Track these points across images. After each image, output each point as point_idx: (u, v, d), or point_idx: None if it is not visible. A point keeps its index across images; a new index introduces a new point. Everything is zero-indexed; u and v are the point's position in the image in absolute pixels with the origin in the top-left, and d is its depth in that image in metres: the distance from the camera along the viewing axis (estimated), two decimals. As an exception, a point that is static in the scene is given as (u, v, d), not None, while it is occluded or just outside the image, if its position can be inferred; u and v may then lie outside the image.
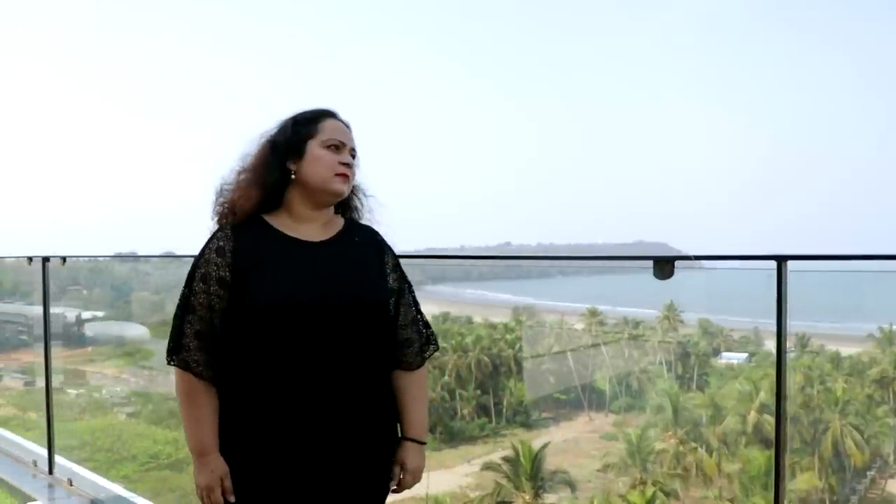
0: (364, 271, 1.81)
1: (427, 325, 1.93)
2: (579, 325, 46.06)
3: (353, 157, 1.84)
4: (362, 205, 1.93)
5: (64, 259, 4.50)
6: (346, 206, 1.91)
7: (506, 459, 32.05)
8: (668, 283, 2.20)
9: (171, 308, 1.82)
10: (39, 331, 4.57)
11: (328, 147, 1.78)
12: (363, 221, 1.94)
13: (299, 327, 1.67)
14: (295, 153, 1.78)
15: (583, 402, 41.84)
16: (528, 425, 40.76)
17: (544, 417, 41.69)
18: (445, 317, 51.53)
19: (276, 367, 1.67)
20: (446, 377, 42.38)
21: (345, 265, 1.79)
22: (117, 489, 4.16)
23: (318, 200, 1.80)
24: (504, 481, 31.34)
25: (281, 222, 1.79)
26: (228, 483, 1.72)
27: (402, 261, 1.94)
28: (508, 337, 45.33)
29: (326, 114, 1.84)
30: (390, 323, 1.83)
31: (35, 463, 4.60)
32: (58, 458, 4.48)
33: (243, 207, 1.77)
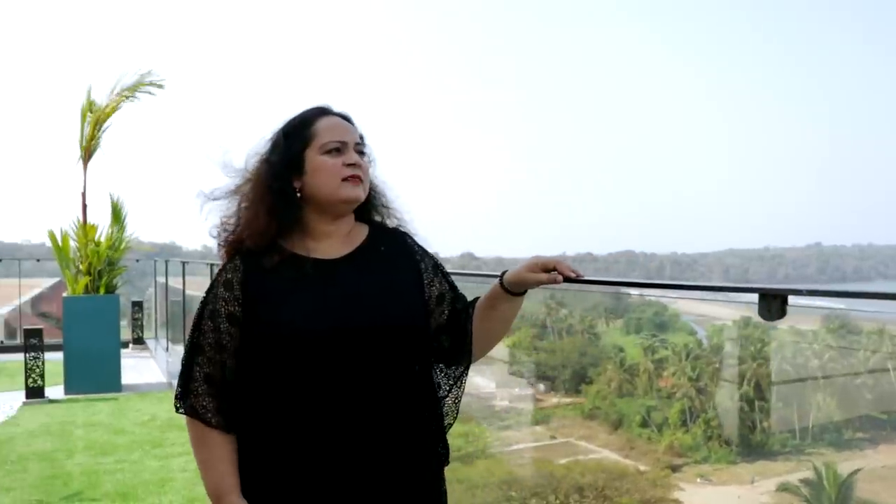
0: (391, 288, 1.61)
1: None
2: (904, 335, 40.92)
3: (362, 153, 1.64)
4: (387, 206, 1.73)
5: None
6: (366, 209, 1.70)
7: (805, 482, 29.77)
8: None
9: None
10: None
11: (328, 152, 1.59)
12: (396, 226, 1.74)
13: (312, 361, 1.50)
14: (295, 169, 1.60)
15: (908, 424, 37.15)
16: (837, 445, 37.24)
17: (858, 438, 37.73)
18: (746, 322, 48.90)
19: (289, 408, 1.51)
20: (745, 386, 40.44)
21: (367, 283, 1.59)
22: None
23: (334, 212, 1.62)
24: (803, 505, 29.21)
25: (296, 243, 1.60)
26: None
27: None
28: (816, 346, 41.90)
29: (318, 113, 1.64)
30: (426, 342, 1.63)
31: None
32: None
33: (257, 242, 1.59)
